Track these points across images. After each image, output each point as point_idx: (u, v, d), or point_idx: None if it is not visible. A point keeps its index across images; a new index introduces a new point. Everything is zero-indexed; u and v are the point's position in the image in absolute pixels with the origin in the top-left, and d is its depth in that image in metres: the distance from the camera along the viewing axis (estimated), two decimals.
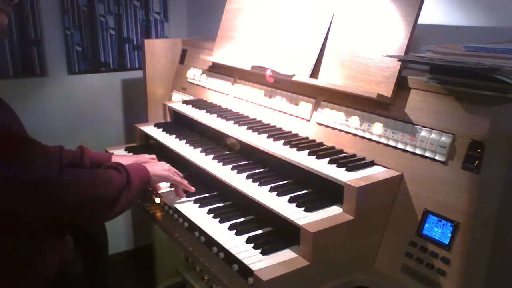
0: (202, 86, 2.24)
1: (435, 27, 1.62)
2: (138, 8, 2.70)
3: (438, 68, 1.22)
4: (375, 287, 1.27)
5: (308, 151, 1.44)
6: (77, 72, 2.57)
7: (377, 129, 1.39)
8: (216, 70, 2.16)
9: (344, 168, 1.33)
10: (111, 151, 1.99)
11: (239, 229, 1.34)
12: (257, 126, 1.69)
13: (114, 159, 1.67)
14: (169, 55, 2.47)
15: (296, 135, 1.64)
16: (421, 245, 1.23)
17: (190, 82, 2.34)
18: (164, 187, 1.64)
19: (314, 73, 1.60)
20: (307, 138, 1.60)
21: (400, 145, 1.33)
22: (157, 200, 1.64)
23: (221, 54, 2.06)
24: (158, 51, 2.42)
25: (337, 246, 1.23)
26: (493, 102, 1.08)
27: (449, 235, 1.17)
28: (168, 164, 1.58)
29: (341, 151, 1.47)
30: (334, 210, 1.28)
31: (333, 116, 1.53)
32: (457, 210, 1.18)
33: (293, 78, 1.63)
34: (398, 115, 1.35)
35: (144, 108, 2.51)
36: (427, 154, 1.26)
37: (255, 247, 1.26)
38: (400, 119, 1.35)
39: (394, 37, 1.38)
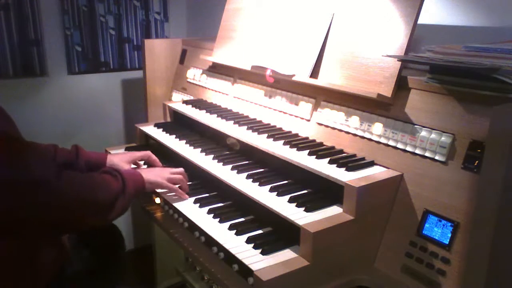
0: (202, 86, 2.24)
1: (435, 27, 1.62)
2: (138, 8, 2.70)
3: (438, 68, 1.22)
4: (375, 287, 1.27)
5: (308, 151, 1.44)
6: (77, 72, 2.57)
7: (377, 129, 1.39)
8: (216, 70, 2.16)
9: (344, 168, 1.33)
10: (111, 151, 1.99)
11: (239, 229, 1.34)
12: (257, 126, 1.69)
13: (109, 157, 1.67)
14: (169, 55, 2.47)
15: (296, 135, 1.64)
16: (421, 245, 1.23)
17: (190, 82, 2.34)
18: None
19: (314, 73, 1.61)
20: (307, 138, 1.60)
21: (400, 145, 1.33)
22: (157, 200, 1.64)
23: (221, 54, 2.06)
24: (158, 51, 2.42)
25: (337, 246, 1.23)
26: (493, 102, 1.08)
27: (449, 235, 1.17)
28: (168, 169, 1.58)
29: (341, 151, 1.47)
30: (334, 210, 1.28)
31: (333, 116, 1.53)
32: (457, 210, 1.17)
33: (293, 78, 1.63)
34: (398, 115, 1.35)
35: (144, 108, 2.51)
36: (427, 154, 1.26)
37: (255, 247, 1.26)
38: (400, 119, 1.35)
39: (394, 37, 1.38)
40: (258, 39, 1.86)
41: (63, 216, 1.18)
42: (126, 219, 2.91)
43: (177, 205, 1.52)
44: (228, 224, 1.38)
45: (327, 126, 1.56)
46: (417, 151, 1.28)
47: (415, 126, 1.30)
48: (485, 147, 1.02)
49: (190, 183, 1.66)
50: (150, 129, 2.05)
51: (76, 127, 2.64)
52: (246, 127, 1.70)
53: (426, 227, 1.23)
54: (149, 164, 1.78)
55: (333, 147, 1.50)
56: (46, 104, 2.51)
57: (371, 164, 1.37)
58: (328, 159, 1.38)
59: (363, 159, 1.39)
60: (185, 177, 1.59)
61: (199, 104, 2.04)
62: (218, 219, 1.42)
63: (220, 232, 1.35)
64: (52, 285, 1.29)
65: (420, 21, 1.35)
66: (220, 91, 2.11)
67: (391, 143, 1.35)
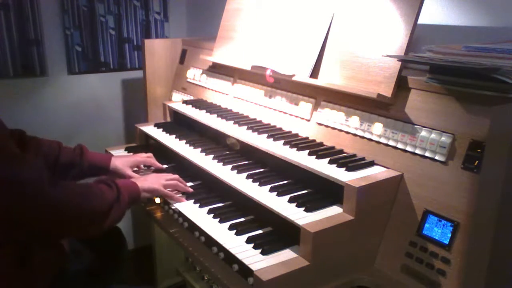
0: (202, 86, 2.24)
1: (435, 27, 1.62)
2: (138, 8, 2.70)
3: (438, 68, 1.22)
4: (375, 287, 1.27)
5: (308, 151, 1.44)
6: (77, 72, 2.57)
7: (377, 129, 1.39)
8: (216, 70, 2.16)
9: (344, 168, 1.33)
10: (111, 151, 1.99)
11: (239, 229, 1.34)
12: (257, 126, 1.69)
13: (113, 161, 1.69)
14: (169, 55, 2.47)
15: (296, 135, 1.64)
16: (421, 245, 1.23)
17: (190, 82, 2.34)
18: None
19: (314, 73, 1.60)
20: (307, 138, 1.60)
21: (400, 145, 1.33)
22: (157, 200, 1.64)
23: (221, 54, 2.06)
24: (158, 51, 2.42)
25: (337, 246, 1.23)
26: (493, 102, 1.08)
27: (449, 235, 1.17)
28: (163, 175, 1.59)
29: (341, 151, 1.47)
30: (334, 210, 1.28)
31: (333, 116, 1.53)
32: (457, 210, 1.17)
33: (293, 78, 1.63)
34: (398, 115, 1.35)
35: (144, 108, 2.51)
36: (427, 154, 1.26)
37: (255, 247, 1.26)
38: (400, 119, 1.35)
39: (394, 37, 1.38)
40: (258, 39, 1.86)
41: (58, 226, 1.23)
42: (126, 219, 2.90)
43: (177, 205, 1.53)
44: (228, 224, 1.38)
45: (327, 126, 1.56)
46: (417, 151, 1.28)
47: (415, 126, 1.30)
48: (485, 147, 1.02)
49: (191, 184, 1.67)
50: (150, 129, 2.05)
51: (76, 127, 2.64)
52: (246, 127, 1.70)
53: (426, 227, 1.23)
54: (149, 166, 1.82)
55: (333, 147, 1.50)
56: (46, 104, 2.51)
57: (371, 164, 1.37)
58: (328, 159, 1.38)
59: (363, 159, 1.39)
60: (180, 181, 1.60)
61: (199, 104, 2.04)
62: (218, 219, 1.42)
63: (220, 232, 1.35)
64: (52, 285, 1.30)
65: (420, 21, 1.35)
66: (220, 91, 2.11)
67: (391, 143, 1.35)
